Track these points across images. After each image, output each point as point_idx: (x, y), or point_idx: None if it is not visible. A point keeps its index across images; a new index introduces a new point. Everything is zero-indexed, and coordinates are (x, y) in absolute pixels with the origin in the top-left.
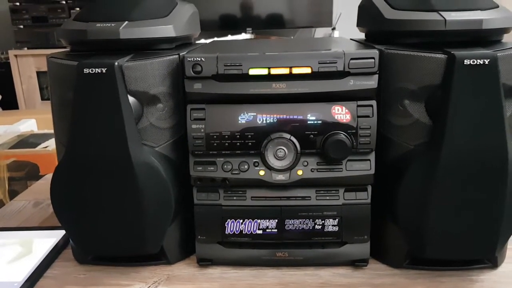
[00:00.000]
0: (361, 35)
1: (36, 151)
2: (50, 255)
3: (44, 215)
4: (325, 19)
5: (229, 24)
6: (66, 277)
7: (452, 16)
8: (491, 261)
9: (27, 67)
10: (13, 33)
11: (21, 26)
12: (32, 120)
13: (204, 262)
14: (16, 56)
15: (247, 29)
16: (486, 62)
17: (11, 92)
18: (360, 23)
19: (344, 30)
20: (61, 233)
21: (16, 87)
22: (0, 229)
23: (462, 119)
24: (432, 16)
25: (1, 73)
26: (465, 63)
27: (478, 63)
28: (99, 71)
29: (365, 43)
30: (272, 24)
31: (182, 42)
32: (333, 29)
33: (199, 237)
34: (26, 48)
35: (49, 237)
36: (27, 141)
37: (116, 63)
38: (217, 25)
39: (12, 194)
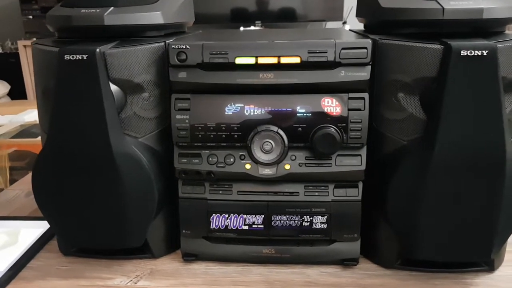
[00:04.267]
0: None
1: (37, 141)
2: (35, 246)
3: (35, 205)
4: (336, 12)
5: (240, 17)
6: (49, 269)
7: (450, 4)
8: (488, 264)
9: None
10: (22, 24)
11: (30, 17)
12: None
13: (189, 257)
14: (25, 46)
15: (256, 22)
16: (485, 54)
17: (20, 82)
18: (358, 13)
19: (356, 24)
20: (48, 224)
21: (25, 77)
22: None
23: (458, 114)
24: (430, 4)
25: (10, 63)
26: (461, 54)
27: (476, 54)
28: (80, 57)
29: (363, 34)
30: (282, 18)
31: (173, 31)
32: (344, 23)
33: (184, 231)
34: (35, 39)
35: (36, 228)
36: (30, 131)
37: (97, 50)
38: (228, 18)
39: (13, 183)
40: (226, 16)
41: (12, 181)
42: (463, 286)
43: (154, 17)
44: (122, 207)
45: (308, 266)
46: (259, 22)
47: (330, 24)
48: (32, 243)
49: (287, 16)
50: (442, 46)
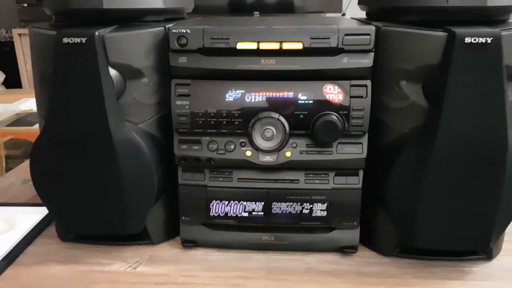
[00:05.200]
0: None
1: (33, 129)
2: (32, 232)
3: (32, 192)
4: (335, 4)
5: (237, 8)
6: (47, 255)
7: None
8: (486, 253)
9: None
10: (17, 12)
11: (25, 5)
12: (33, 99)
13: (188, 243)
14: (20, 35)
15: (255, 12)
16: (489, 41)
17: (15, 71)
18: (360, 1)
19: (355, 16)
20: (46, 210)
21: (20, 66)
22: None
23: (460, 102)
24: None
25: (5, 52)
26: (466, 42)
27: (480, 41)
28: (79, 41)
29: (365, 21)
30: (281, 8)
31: (172, 16)
32: (343, 14)
33: (183, 218)
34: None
35: (33, 214)
36: (25, 119)
37: (97, 33)
38: (225, 8)
39: (8, 172)
40: (224, 7)
41: (8, 170)
42: (460, 274)
43: (153, 1)
44: (121, 194)
45: (307, 253)
46: (257, 12)
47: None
48: (30, 229)
49: (285, 7)
50: (446, 33)
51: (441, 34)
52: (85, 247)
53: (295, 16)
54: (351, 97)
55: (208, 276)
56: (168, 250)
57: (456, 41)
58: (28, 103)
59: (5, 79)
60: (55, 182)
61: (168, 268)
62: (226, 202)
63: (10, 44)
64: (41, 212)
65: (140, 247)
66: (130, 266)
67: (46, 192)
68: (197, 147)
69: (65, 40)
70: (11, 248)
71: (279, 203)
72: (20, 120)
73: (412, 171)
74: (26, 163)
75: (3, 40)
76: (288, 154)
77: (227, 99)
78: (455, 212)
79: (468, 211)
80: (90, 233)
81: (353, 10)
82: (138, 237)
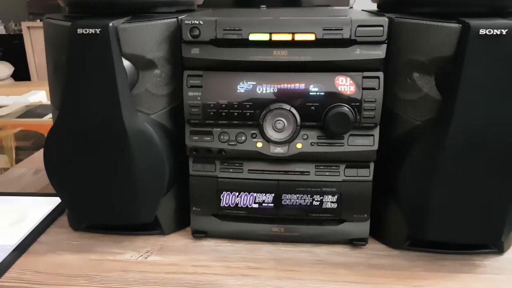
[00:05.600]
0: None
1: (43, 121)
2: (45, 221)
3: (43, 182)
4: None
5: (244, 1)
6: (59, 243)
7: None
8: (497, 246)
9: (39, 39)
10: (26, 5)
11: None
12: (42, 92)
13: (198, 234)
14: (29, 28)
15: (261, 6)
16: (504, 33)
17: (23, 63)
18: None
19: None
20: (57, 200)
21: (29, 58)
22: None
23: (474, 94)
24: None
25: (14, 44)
26: (480, 33)
27: (494, 33)
28: (93, 31)
29: (377, 13)
30: (287, 2)
31: (183, 8)
32: (351, 8)
33: (194, 208)
34: (39, 20)
35: (45, 204)
36: (35, 111)
37: (110, 24)
38: (231, 1)
39: (19, 163)
40: (231, 0)
41: (18, 161)
42: (471, 267)
43: None
44: (133, 183)
45: (317, 245)
46: (264, 6)
47: None
48: (42, 219)
49: (292, 1)
50: (460, 25)
51: (455, 25)
52: (97, 236)
53: (303, 9)
54: (363, 89)
55: (218, 266)
56: (178, 240)
57: (470, 33)
58: (37, 95)
59: (14, 72)
60: (68, 171)
61: (178, 258)
62: (237, 193)
63: (19, 37)
64: (53, 202)
65: (151, 237)
66: (141, 255)
67: (59, 182)
68: (208, 138)
69: (80, 31)
70: (24, 237)
71: (289, 194)
72: (30, 111)
73: (424, 164)
74: (37, 154)
75: (12, 33)
76: (299, 145)
77: (238, 91)
78: (467, 205)
79: (480, 204)
80: (102, 223)
81: (359, 4)
82: (149, 227)
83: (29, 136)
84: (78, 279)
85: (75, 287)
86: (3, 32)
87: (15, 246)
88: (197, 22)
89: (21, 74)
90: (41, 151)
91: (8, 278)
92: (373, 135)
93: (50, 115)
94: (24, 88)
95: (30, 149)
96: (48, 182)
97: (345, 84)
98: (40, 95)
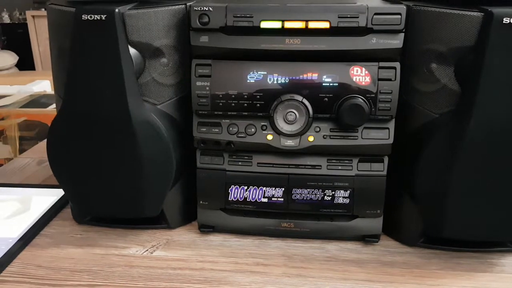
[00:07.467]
0: None
1: (47, 111)
2: (48, 213)
3: (47, 173)
4: None
5: None
6: (62, 236)
7: None
8: None
9: (44, 28)
10: None
11: None
12: (46, 81)
13: (206, 228)
14: (33, 17)
15: None
16: None
17: (28, 52)
18: None
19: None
20: (61, 191)
21: (33, 48)
22: (1, 184)
23: (496, 86)
24: None
25: (18, 33)
26: (504, 22)
27: None
28: (99, 18)
29: (393, 0)
30: None
31: None
32: None
33: (201, 202)
34: (43, 9)
35: (48, 195)
36: (39, 101)
37: (117, 10)
38: None
39: (23, 153)
40: None
41: (22, 151)
42: (488, 265)
43: None
44: (139, 176)
45: (328, 241)
46: None
47: None
48: (45, 211)
49: None
50: (482, 13)
51: (477, 14)
52: (101, 230)
53: None
54: (379, 79)
55: (226, 262)
56: (185, 235)
57: (493, 22)
58: (41, 85)
59: (18, 61)
60: (72, 162)
61: (185, 253)
62: (245, 187)
63: (23, 26)
64: (57, 193)
65: (157, 231)
66: (147, 250)
67: (62, 173)
68: (216, 130)
69: (85, 17)
70: (26, 230)
71: (300, 189)
72: (34, 101)
73: (442, 158)
74: (41, 144)
75: (16, 22)
76: (310, 138)
77: (248, 81)
78: (486, 202)
79: (498, 201)
80: (106, 215)
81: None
82: (155, 221)
83: (33, 126)
84: (81, 274)
85: (78, 282)
86: (8, 21)
87: (17, 239)
88: (207, 9)
89: (26, 63)
90: (45, 141)
91: (9, 273)
92: (388, 128)
93: (54, 105)
94: (28, 77)
95: (34, 139)
96: (52, 173)
97: (360, 75)
98: (44, 85)
